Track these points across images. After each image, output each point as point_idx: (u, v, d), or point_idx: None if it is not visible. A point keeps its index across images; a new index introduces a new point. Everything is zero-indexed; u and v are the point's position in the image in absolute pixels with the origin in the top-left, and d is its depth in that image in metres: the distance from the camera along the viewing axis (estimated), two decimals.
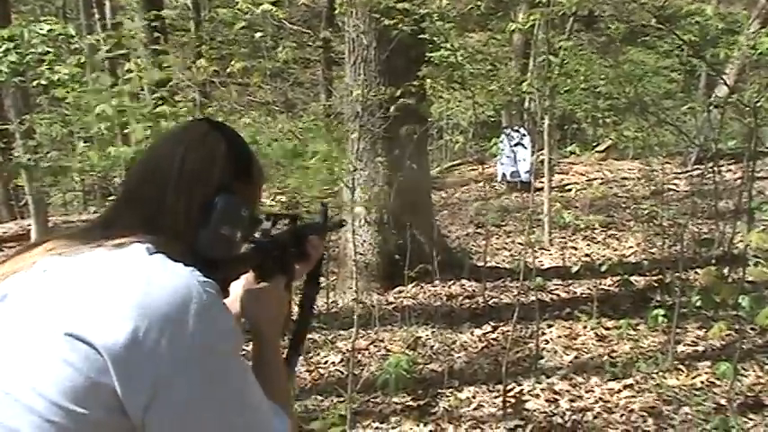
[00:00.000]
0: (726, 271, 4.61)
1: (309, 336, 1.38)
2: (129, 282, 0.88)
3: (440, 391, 4.18)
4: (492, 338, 5.00)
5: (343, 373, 4.63)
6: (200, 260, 0.97)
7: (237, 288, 1.23)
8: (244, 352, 0.98)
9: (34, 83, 4.85)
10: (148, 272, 0.90)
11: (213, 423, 0.88)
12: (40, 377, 0.83)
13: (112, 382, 0.82)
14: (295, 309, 1.36)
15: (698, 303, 4.29)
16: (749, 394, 3.70)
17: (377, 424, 3.88)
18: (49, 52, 4.53)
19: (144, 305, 0.85)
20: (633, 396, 3.87)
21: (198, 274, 0.92)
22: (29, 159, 5.10)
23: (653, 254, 6.47)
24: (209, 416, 0.87)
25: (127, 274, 0.90)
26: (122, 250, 0.94)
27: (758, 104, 3.66)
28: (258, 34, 5.41)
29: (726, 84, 6.05)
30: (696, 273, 5.24)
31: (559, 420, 3.72)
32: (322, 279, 1.48)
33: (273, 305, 1.22)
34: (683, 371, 4.07)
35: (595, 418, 3.70)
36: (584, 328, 4.89)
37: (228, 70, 4.41)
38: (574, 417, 3.73)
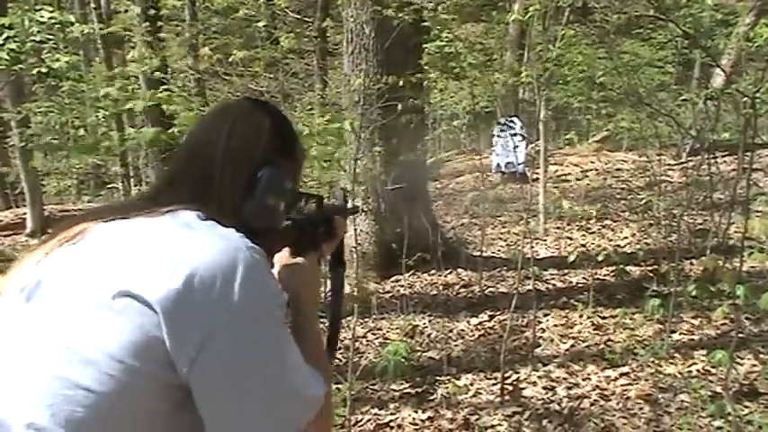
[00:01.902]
0: (721, 261, 4.65)
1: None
2: (181, 241, 0.92)
3: (438, 378, 4.21)
4: (489, 327, 5.03)
5: (341, 360, 4.66)
6: (245, 231, 1.00)
7: (274, 262, 1.27)
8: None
9: (35, 71, 4.84)
10: (200, 233, 0.94)
11: (256, 381, 0.90)
12: (100, 333, 0.86)
13: (164, 336, 0.85)
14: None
15: (693, 293, 4.34)
16: (744, 382, 3.75)
17: (375, 410, 3.91)
18: (49, 40, 4.52)
19: (195, 264, 0.88)
20: (629, 384, 3.91)
21: (246, 240, 0.96)
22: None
23: (648, 244, 6.51)
24: (252, 373, 0.90)
25: (179, 235, 0.93)
26: (173, 215, 0.98)
27: (756, 95, 3.67)
28: (261, 23, 5.40)
29: (725, 72, 6.08)
30: (691, 263, 5.29)
31: (556, 407, 3.75)
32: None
33: (310, 278, 1.27)
34: (679, 359, 4.12)
35: (592, 405, 3.73)
36: (581, 316, 4.92)
37: (231, 59, 4.41)
38: (571, 404, 3.76)
